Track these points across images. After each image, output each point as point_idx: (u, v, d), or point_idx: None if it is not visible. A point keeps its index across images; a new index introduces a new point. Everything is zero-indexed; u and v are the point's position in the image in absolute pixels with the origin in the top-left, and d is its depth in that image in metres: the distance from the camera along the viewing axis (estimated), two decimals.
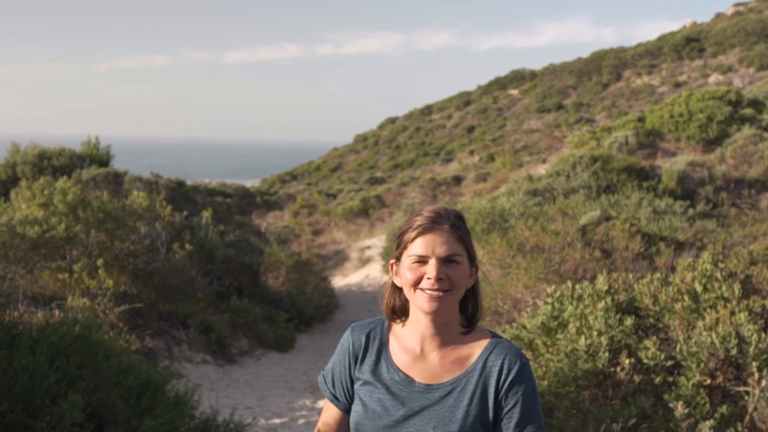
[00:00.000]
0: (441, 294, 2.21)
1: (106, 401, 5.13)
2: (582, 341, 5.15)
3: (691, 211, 13.17)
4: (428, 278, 2.21)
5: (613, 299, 5.60)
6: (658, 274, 5.83)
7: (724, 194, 14.53)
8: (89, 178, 14.72)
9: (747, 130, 16.12)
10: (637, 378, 4.99)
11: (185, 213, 13.39)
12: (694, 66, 51.13)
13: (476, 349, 2.30)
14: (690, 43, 54.01)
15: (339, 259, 25.42)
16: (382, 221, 27.38)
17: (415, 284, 2.23)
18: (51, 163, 15.58)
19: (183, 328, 10.92)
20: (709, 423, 4.40)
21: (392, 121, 74.91)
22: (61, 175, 13.56)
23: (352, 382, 2.35)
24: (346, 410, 2.39)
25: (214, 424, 6.13)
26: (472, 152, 40.82)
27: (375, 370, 2.31)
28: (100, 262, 9.73)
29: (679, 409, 4.51)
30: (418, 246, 2.23)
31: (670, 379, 4.92)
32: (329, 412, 2.44)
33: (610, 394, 5.14)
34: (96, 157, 16.32)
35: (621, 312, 5.55)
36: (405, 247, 2.26)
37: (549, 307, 5.86)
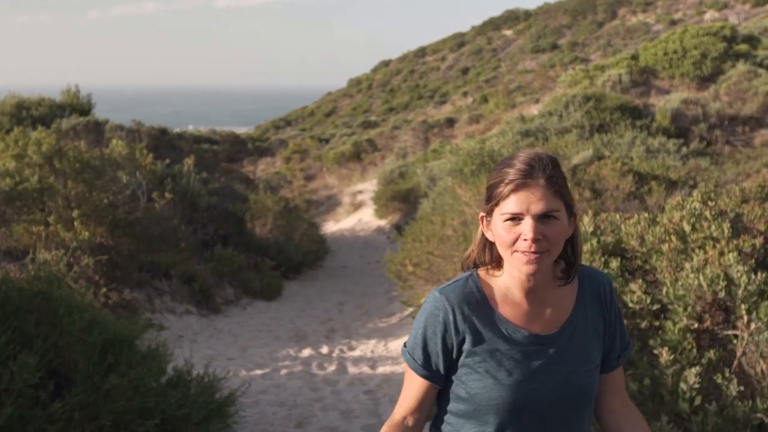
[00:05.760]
0: (538, 256, 2.01)
1: (67, 359, 4.90)
2: None
3: (684, 150, 12.90)
4: (524, 239, 2.00)
5: (599, 241, 5.35)
6: (645, 214, 5.57)
7: (717, 132, 14.26)
8: (69, 127, 14.39)
9: (741, 67, 15.78)
10: None
11: (167, 161, 13.09)
12: (689, 3, 50.38)
13: (572, 284, 2.19)
14: None
15: (331, 204, 25.19)
16: (375, 165, 27.09)
17: (511, 245, 2.02)
18: (30, 114, 15.23)
19: (165, 279, 10.69)
20: (695, 370, 4.18)
21: (386, 64, 74.16)
22: (41, 126, 13.22)
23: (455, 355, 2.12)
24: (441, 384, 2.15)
25: (187, 379, 5.92)
26: (465, 94, 40.35)
27: (489, 334, 2.10)
28: (75, 213, 9.47)
29: (665, 355, 4.28)
30: (511, 203, 2.00)
31: (657, 323, 4.69)
32: (418, 391, 2.15)
33: None
34: (77, 105, 15.96)
35: (607, 254, 5.31)
36: (497, 203, 2.03)
37: None
